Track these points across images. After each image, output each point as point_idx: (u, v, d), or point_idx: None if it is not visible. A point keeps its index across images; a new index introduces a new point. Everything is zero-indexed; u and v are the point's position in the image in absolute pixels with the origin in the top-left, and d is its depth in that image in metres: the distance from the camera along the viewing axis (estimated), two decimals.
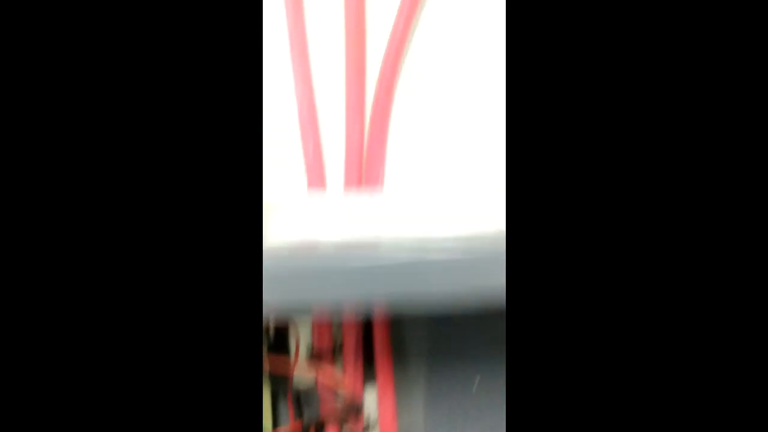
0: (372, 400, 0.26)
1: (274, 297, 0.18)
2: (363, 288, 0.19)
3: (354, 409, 0.25)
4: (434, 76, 0.25)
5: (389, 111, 0.25)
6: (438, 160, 0.25)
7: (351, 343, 0.26)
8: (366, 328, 0.26)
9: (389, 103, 0.24)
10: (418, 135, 0.25)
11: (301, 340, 0.26)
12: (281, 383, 0.26)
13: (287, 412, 0.26)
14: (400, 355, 0.27)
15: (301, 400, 0.26)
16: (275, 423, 0.27)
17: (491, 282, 0.18)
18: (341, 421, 0.26)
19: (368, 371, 0.26)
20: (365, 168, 0.25)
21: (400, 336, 0.27)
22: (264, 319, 0.23)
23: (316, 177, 0.25)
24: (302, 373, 0.26)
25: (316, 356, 0.26)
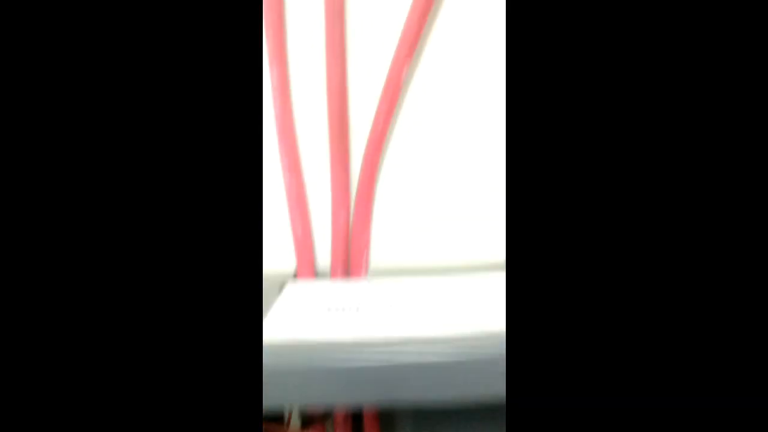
0: None
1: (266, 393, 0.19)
2: (353, 389, 0.20)
3: None
4: (415, 165, 0.26)
5: (372, 198, 0.26)
6: (425, 247, 0.26)
7: (342, 414, 0.27)
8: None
9: (372, 192, 0.26)
10: (403, 223, 0.26)
11: (294, 407, 0.28)
12: None
13: None
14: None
15: None
16: None
17: (490, 385, 0.18)
18: None
19: None
20: (351, 256, 0.26)
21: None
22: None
23: (305, 265, 0.26)
24: None
25: (308, 424, 0.28)
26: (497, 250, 0.26)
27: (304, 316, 0.21)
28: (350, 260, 0.26)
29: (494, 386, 0.17)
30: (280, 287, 0.24)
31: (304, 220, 0.26)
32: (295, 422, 0.28)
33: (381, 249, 0.26)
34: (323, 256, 0.26)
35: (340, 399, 0.20)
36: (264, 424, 0.28)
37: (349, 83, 0.25)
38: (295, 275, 0.26)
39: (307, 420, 0.28)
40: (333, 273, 0.26)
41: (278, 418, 0.28)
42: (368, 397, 0.20)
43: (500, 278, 0.23)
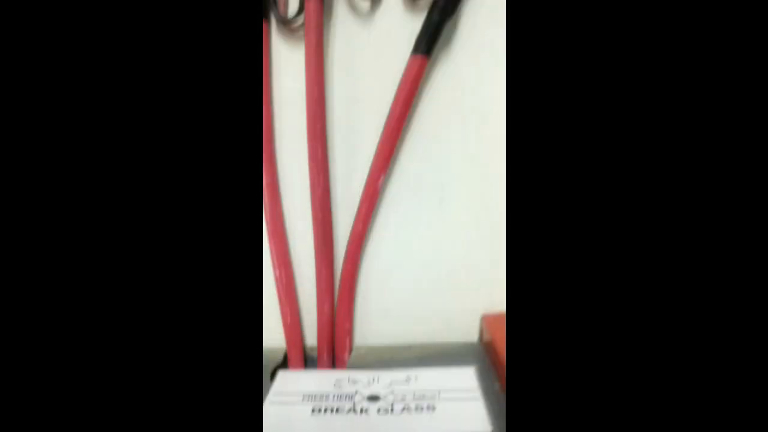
0: None
1: None
2: None
3: None
4: (391, 261, 0.29)
5: (354, 290, 0.29)
6: (401, 330, 0.29)
7: None
8: None
9: (353, 284, 0.29)
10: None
11: None
12: None
13: None
14: None
15: None
16: None
17: None
18: None
19: None
20: (336, 340, 0.29)
21: None
22: None
23: (293, 347, 0.29)
24: None
25: None
26: (469, 333, 0.29)
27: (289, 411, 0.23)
28: (335, 343, 0.29)
29: None
30: (272, 367, 0.27)
31: (292, 308, 0.29)
32: None
33: (362, 331, 0.30)
34: (311, 337, 0.30)
35: None
36: None
37: (333, 190, 0.28)
38: (285, 355, 0.29)
39: None
40: (319, 354, 0.29)
41: None
42: None
43: (471, 372, 0.26)
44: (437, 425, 0.22)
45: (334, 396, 0.24)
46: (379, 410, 0.23)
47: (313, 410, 0.23)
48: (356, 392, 0.24)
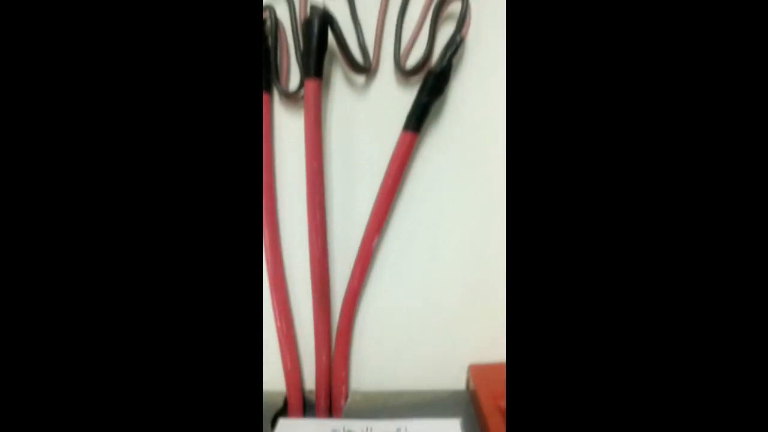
0: None
1: None
2: None
3: None
4: (385, 315, 0.31)
5: (349, 342, 0.31)
6: (394, 377, 0.31)
7: None
8: None
9: (348, 336, 0.31)
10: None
11: None
12: None
13: None
14: None
15: None
16: None
17: None
18: None
19: None
20: (332, 387, 0.31)
21: None
22: None
23: (293, 392, 0.31)
24: None
25: None
26: (458, 381, 0.31)
27: None
28: (332, 390, 0.31)
29: None
30: (273, 410, 0.30)
31: (292, 356, 0.31)
32: None
33: (357, 378, 0.32)
34: (310, 382, 0.32)
35: None
36: None
37: (330, 249, 0.31)
38: (285, 398, 0.31)
39: None
40: (317, 401, 0.31)
41: None
42: None
43: (456, 425, 0.28)
44: None
45: None
46: None
47: None
48: None
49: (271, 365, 0.31)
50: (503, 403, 0.27)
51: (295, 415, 0.30)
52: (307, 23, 0.27)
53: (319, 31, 0.27)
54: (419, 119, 0.28)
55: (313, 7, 0.27)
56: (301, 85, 0.28)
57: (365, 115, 0.30)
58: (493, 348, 0.31)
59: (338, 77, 0.30)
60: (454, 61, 0.27)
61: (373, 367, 0.32)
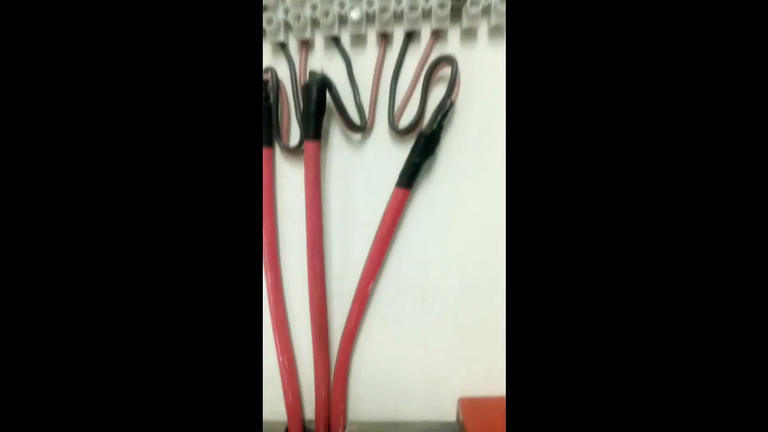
0: None
1: None
2: None
3: None
4: (380, 353, 0.33)
5: (346, 377, 0.33)
6: (389, 410, 0.34)
7: None
8: None
9: (346, 372, 0.33)
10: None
11: None
12: None
13: None
14: None
15: None
16: None
17: None
18: None
19: None
20: (331, 419, 0.33)
21: None
22: None
23: (294, 423, 0.33)
24: None
25: None
26: (448, 413, 0.34)
27: None
28: (330, 422, 0.34)
29: None
30: None
31: (293, 389, 0.34)
32: None
33: (354, 410, 0.34)
34: (309, 412, 0.34)
35: None
36: None
37: (329, 292, 0.33)
38: (286, 428, 0.34)
39: None
40: (317, 430, 0.34)
41: None
42: None
43: None
44: None
45: None
46: None
47: None
48: None
49: (274, 397, 0.33)
50: None
51: None
52: (306, 88, 0.29)
53: (317, 97, 0.29)
54: (411, 177, 0.30)
55: (311, 73, 0.29)
56: (302, 142, 0.30)
57: (362, 169, 0.32)
58: (481, 383, 0.33)
59: (336, 132, 0.32)
60: (445, 123, 0.29)
61: (369, 399, 0.34)
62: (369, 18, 0.30)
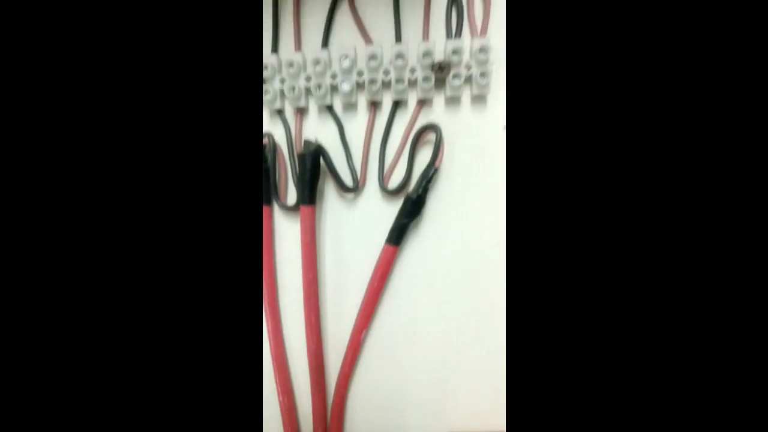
0: None
1: None
2: None
3: None
4: (373, 396, 0.36)
5: (342, 418, 0.36)
6: None
7: None
8: None
9: (341, 414, 0.36)
10: None
11: None
12: None
13: None
14: None
15: None
16: None
17: None
18: None
19: None
20: None
21: None
22: None
23: None
24: None
25: None
26: None
27: None
28: None
29: None
30: None
31: (293, 427, 0.36)
32: None
33: None
34: None
35: None
36: None
37: (324, 340, 0.35)
38: None
39: None
40: None
41: None
42: None
43: None
44: None
45: None
46: None
47: None
48: None
49: None
50: None
51: None
52: (302, 157, 0.31)
53: (311, 165, 0.31)
54: (399, 235, 0.32)
55: (306, 142, 0.31)
56: (298, 202, 0.32)
57: (354, 226, 0.34)
58: (469, 419, 0.35)
59: (331, 191, 0.34)
60: (430, 186, 0.31)
61: None
62: (359, 86, 0.32)
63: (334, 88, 0.32)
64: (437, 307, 0.34)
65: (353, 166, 0.33)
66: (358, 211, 0.34)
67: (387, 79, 0.31)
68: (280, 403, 0.36)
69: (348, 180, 0.33)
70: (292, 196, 0.34)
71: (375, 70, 0.31)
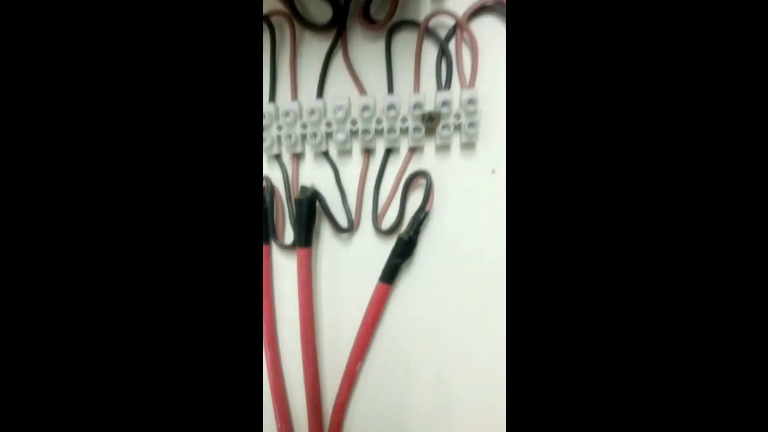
0: None
1: None
2: None
3: None
4: (369, 421, 0.38)
5: None
6: None
7: None
8: None
9: None
10: None
11: None
12: None
13: None
14: None
15: None
16: None
17: None
18: None
19: None
20: None
21: None
22: None
23: None
24: None
25: None
26: None
27: None
28: None
29: None
30: None
31: None
32: None
33: None
34: None
35: None
36: None
37: (321, 372, 0.37)
38: None
39: None
40: None
41: None
42: None
43: None
44: None
45: None
46: None
47: None
48: None
49: None
50: None
51: None
52: (298, 202, 0.33)
53: (307, 211, 0.32)
54: (392, 274, 0.34)
55: (303, 188, 0.33)
56: (295, 242, 0.34)
57: (349, 264, 0.35)
58: None
59: (327, 230, 0.36)
60: (421, 229, 0.33)
61: None
62: (353, 133, 0.33)
63: (329, 135, 0.34)
64: (429, 340, 0.36)
65: (348, 207, 0.35)
66: (353, 249, 0.35)
67: (380, 127, 0.33)
68: (278, 429, 0.37)
69: (343, 219, 0.34)
70: (289, 234, 0.36)
71: (368, 120, 0.32)
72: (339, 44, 0.34)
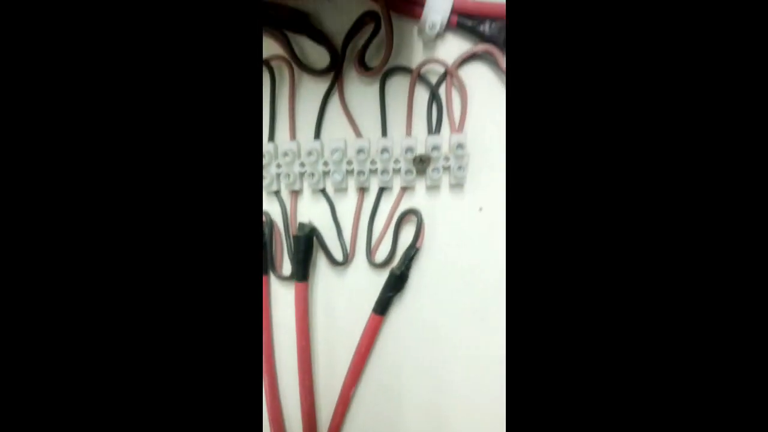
0: None
1: None
2: None
3: None
4: None
5: None
6: None
7: None
8: None
9: None
10: None
11: None
12: None
13: None
14: None
15: None
16: None
17: None
18: None
19: None
20: None
21: None
22: None
23: None
24: None
25: None
26: None
27: None
28: None
29: None
30: None
31: None
32: None
33: None
34: None
35: None
36: None
37: (317, 397, 0.39)
38: None
39: None
40: None
41: None
42: None
43: None
44: None
45: None
46: None
47: None
48: None
49: None
50: None
51: None
52: (296, 239, 0.34)
53: (305, 247, 0.34)
54: (385, 306, 0.36)
55: (301, 225, 0.35)
56: (293, 275, 0.36)
57: (344, 295, 0.37)
58: None
59: (323, 262, 0.37)
60: (412, 263, 0.35)
61: None
62: (349, 172, 0.35)
63: (326, 173, 0.35)
64: (420, 369, 0.38)
65: (343, 241, 0.36)
66: (347, 281, 0.37)
67: (374, 168, 0.34)
68: None
69: (339, 253, 0.36)
70: (287, 265, 0.37)
71: (363, 162, 0.34)
72: (335, 88, 0.35)
